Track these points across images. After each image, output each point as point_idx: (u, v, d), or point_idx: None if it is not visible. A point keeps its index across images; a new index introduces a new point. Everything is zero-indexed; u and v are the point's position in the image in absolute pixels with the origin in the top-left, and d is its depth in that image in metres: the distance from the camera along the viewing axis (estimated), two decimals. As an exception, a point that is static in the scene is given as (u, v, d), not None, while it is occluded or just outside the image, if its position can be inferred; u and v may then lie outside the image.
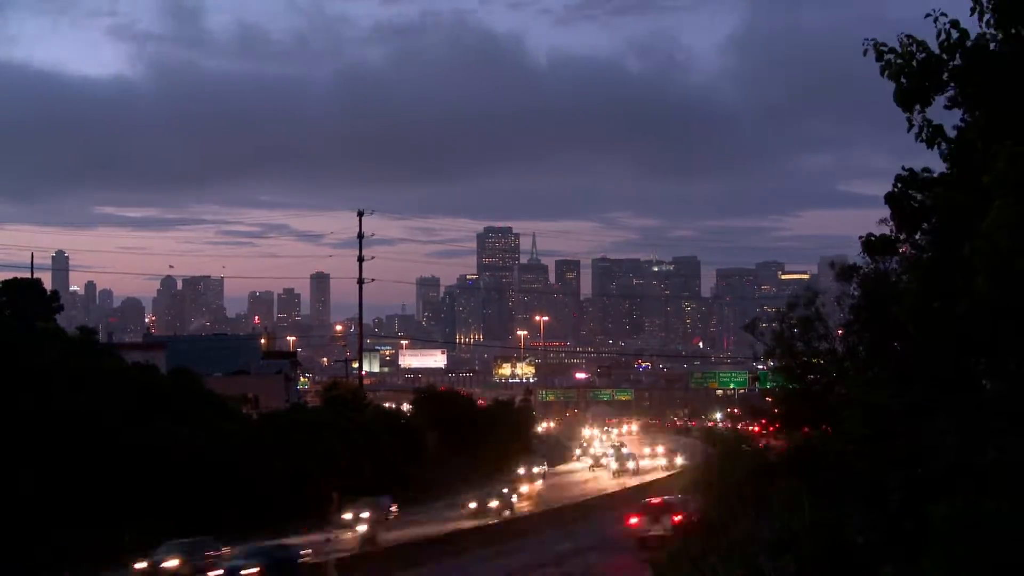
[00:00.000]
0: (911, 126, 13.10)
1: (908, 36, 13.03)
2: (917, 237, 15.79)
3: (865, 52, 13.12)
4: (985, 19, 12.66)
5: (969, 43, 12.73)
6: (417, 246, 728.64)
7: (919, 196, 14.08)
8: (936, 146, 13.27)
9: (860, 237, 15.57)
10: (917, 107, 13.05)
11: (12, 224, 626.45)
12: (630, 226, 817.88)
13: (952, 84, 13.02)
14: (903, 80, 12.94)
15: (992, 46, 12.73)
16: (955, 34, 12.73)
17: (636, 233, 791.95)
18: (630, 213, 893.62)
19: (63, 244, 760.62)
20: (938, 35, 12.77)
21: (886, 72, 13.05)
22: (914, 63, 12.90)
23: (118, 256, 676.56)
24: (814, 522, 17.64)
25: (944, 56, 12.85)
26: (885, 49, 13.07)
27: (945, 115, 13.41)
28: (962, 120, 13.44)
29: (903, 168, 14.15)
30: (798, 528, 18.15)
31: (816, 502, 18.13)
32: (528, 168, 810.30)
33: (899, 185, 14.09)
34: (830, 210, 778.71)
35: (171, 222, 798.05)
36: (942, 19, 12.75)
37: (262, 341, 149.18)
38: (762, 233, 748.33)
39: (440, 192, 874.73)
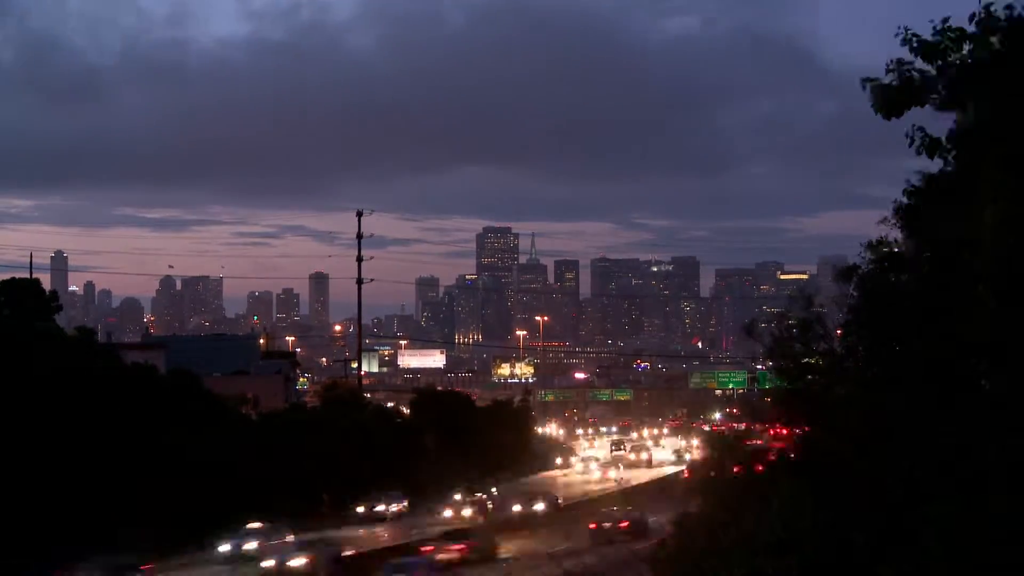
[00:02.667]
0: (911, 141, 13.39)
1: (897, 60, 13.45)
2: (922, 248, 15.85)
3: (864, 87, 13.56)
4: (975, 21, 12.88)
5: (951, 58, 13.12)
6: (429, 246, 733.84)
7: (924, 208, 14.26)
8: (939, 156, 13.45)
9: (867, 242, 15.75)
10: (912, 124, 13.36)
11: (31, 224, 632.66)
12: (647, 226, 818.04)
13: (929, 95, 13.39)
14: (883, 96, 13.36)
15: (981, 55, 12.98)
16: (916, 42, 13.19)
17: (652, 233, 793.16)
18: (648, 213, 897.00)
19: (73, 245, 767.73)
20: (907, 44, 13.20)
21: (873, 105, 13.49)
22: (892, 84, 13.34)
23: (128, 257, 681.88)
24: (815, 522, 17.64)
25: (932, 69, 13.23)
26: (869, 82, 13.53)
27: (943, 119, 13.61)
28: (955, 123, 13.60)
29: (907, 182, 14.40)
30: (799, 528, 18.15)
31: (817, 502, 18.13)
32: (540, 169, 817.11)
33: (907, 199, 14.32)
34: (847, 211, 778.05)
35: (187, 223, 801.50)
36: (909, 32, 13.20)
37: (261, 341, 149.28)
38: (778, 234, 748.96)
39: (449, 192, 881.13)
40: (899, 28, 13.37)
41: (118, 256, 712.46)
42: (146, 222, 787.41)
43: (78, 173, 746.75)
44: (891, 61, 13.50)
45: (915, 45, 13.11)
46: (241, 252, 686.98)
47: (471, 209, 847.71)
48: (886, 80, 13.34)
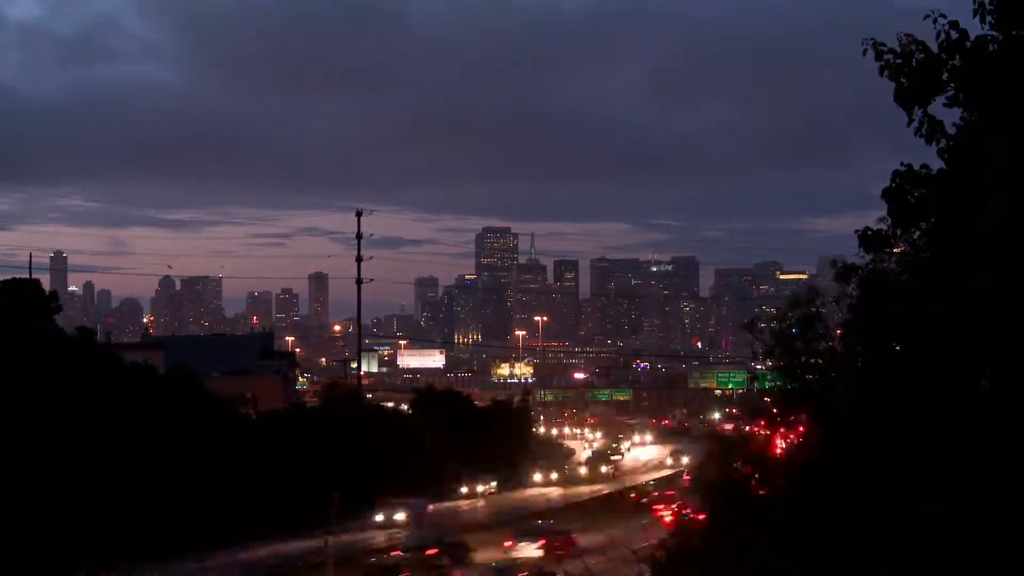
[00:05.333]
0: (911, 121, 13.11)
1: (908, 35, 13.03)
2: (915, 235, 15.75)
3: (865, 52, 13.11)
4: (987, 21, 12.65)
5: (969, 44, 12.71)
6: (442, 247, 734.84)
7: (916, 192, 14.07)
8: (935, 142, 13.26)
9: (856, 231, 15.58)
10: (916, 107, 13.06)
11: (50, 225, 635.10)
12: (665, 227, 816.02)
13: (951, 84, 13.00)
14: (903, 80, 12.94)
15: (992, 47, 12.71)
16: (955, 35, 12.73)
17: (668, 234, 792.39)
18: (665, 214, 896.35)
19: (86, 245, 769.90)
20: (937, 35, 12.77)
21: (885, 72, 13.05)
22: (913, 63, 12.90)
23: (140, 258, 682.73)
24: (815, 522, 17.62)
25: (943, 56, 12.84)
26: (884, 49, 13.08)
27: (945, 112, 13.41)
28: (961, 119, 13.44)
29: (901, 164, 14.15)
30: (799, 528, 18.13)
31: (817, 501, 18.12)
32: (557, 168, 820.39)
33: (897, 181, 14.08)
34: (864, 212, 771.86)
35: (205, 223, 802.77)
36: (941, 20, 12.75)
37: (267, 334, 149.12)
38: (798, 235, 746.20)
39: (464, 192, 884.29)
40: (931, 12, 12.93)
41: (132, 257, 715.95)
42: (165, 223, 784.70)
43: (102, 174, 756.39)
44: (903, 35, 13.10)
45: (949, 36, 12.64)
46: (256, 253, 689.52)
47: (486, 209, 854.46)
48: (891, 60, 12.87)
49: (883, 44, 13.12)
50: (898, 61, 13.00)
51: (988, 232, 11.57)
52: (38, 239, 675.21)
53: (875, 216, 15.41)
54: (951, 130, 13.41)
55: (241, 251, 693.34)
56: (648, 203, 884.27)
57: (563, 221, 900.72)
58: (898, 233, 15.40)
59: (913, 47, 12.99)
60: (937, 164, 13.94)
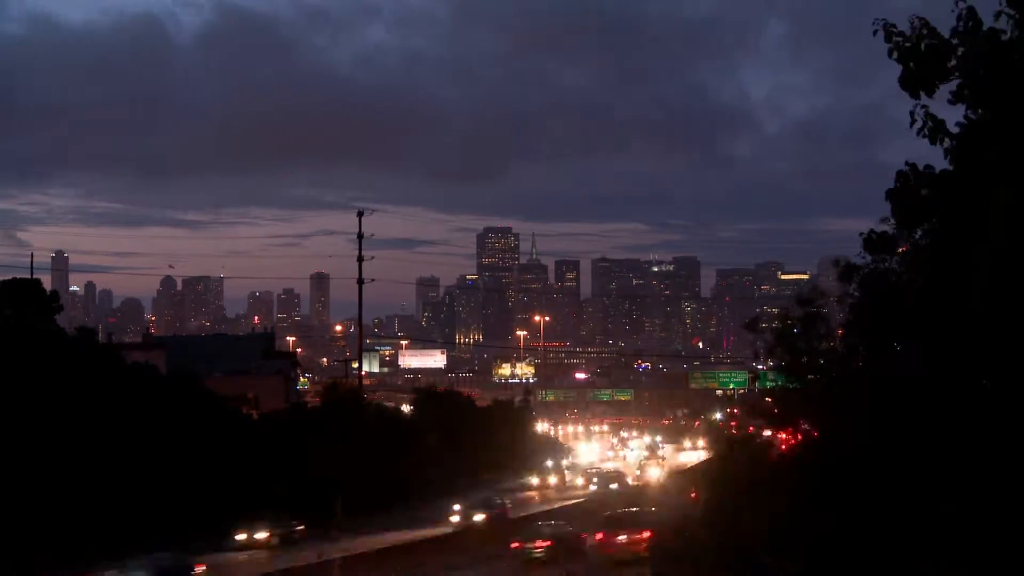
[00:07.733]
0: (913, 121, 13.03)
1: (919, 18, 12.93)
2: (918, 235, 15.73)
3: (875, 32, 13.03)
4: (1003, 5, 12.55)
5: (984, 31, 12.60)
6: (452, 248, 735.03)
7: (921, 192, 14.01)
8: (939, 142, 13.19)
9: (861, 234, 15.54)
10: (923, 95, 12.95)
11: (65, 226, 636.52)
12: (679, 227, 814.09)
13: (958, 74, 12.90)
14: (910, 64, 12.84)
15: (1004, 36, 12.63)
16: (970, 23, 12.62)
17: (681, 234, 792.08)
18: (678, 216, 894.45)
19: (100, 246, 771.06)
20: (957, 18, 12.65)
21: (894, 54, 12.97)
22: (922, 46, 12.78)
23: (152, 258, 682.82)
24: (816, 522, 17.61)
25: (954, 41, 12.73)
26: (895, 31, 12.99)
27: (948, 111, 13.33)
28: (965, 116, 13.37)
29: (906, 163, 14.08)
30: (800, 527, 18.12)
31: (818, 501, 18.10)
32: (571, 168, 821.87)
33: (901, 181, 14.01)
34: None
35: (221, 224, 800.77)
36: (961, 4, 12.64)
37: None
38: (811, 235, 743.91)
39: (484, 191, 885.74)
40: None
41: (146, 258, 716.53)
42: (182, 223, 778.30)
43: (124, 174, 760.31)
44: (915, 19, 12.99)
45: (967, 24, 12.51)
46: (270, 253, 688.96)
47: (500, 209, 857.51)
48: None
49: (894, 25, 13.03)
50: (907, 44, 12.90)
51: (989, 232, 11.54)
52: (51, 240, 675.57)
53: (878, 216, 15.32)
54: (953, 129, 13.35)
55: (258, 252, 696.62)
56: (662, 203, 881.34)
57: (578, 221, 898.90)
58: (902, 234, 15.37)
59: (924, 31, 12.90)
60: (941, 164, 13.89)
